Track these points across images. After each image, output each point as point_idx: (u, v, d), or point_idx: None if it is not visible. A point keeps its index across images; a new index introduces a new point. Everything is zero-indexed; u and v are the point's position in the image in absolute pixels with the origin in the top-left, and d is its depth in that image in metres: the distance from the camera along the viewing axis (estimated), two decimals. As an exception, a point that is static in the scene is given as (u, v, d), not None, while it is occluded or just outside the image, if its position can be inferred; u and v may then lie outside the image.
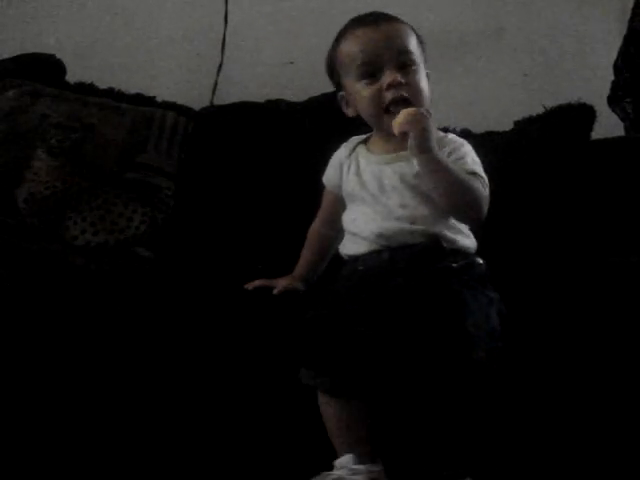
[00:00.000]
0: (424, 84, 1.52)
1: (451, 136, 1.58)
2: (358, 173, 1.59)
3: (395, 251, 1.50)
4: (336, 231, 1.65)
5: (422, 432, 1.39)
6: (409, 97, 1.47)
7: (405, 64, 1.49)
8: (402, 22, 1.56)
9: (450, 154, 1.51)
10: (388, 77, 1.47)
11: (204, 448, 1.48)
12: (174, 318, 1.57)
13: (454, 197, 1.46)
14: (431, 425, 1.38)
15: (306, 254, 1.70)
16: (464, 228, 1.56)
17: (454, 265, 1.49)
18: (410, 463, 1.40)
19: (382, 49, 1.48)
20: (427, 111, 1.43)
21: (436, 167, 1.44)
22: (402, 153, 1.53)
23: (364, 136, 1.65)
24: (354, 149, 1.64)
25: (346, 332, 1.39)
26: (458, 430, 1.36)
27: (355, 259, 1.55)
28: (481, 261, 1.54)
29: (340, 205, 1.64)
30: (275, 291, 1.64)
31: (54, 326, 1.55)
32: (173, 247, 2.04)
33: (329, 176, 1.68)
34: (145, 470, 1.48)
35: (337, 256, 1.65)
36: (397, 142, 1.52)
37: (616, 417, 1.46)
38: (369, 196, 1.56)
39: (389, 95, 1.48)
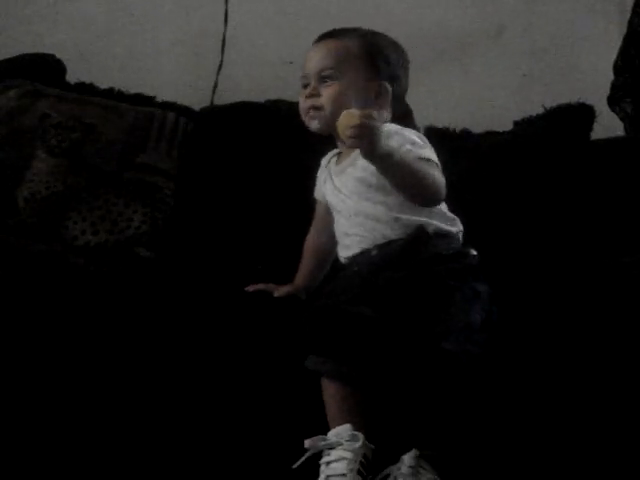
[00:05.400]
0: (337, 94, 1.64)
1: (394, 128, 1.62)
2: (333, 183, 1.67)
3: (383, 247, 1.56)
4: (331, 239, 1.70)
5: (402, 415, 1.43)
6: (318, 105, 1.65)
7: (325, 79, 1.66)
8: (342, 38, 1.70)
9: (402, 145, 1.56)
10: (308, 89, 1.68)
11: (205, 445, 1.48)
12: (174, 318, 1.57)
13: (412, 187, 1.54)
14: (407, 409, 1.43)
15: (304, 264, 1.76)
16: (446, 213, 1.61)
17: (444, 253, 1.54)
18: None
19: (311, 65, 1.68)
20: (369, 115, 1.47)
21: (389, 165, 1.51)
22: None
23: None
24: (329, 160, 1.73)
25: (347, 320, 1.43)
26: (429, 415, 1.41)
27: (350, 261, 1.62)
28: (474, 252, 1.59)
29: (330, 214, 1.71)
30: (276, 294, 1.68)
31: (54, 326, 1.55)
32: (173, 247, 2.04)
33: (317, 188, 1.77)
34: (145, 470, 1.48)
35: (337, 262, 1.69)
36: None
37: (612, 413, 1.46)
38: (349, 201, 1.63)
39: (307, 102, 1.67)
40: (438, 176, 1.56)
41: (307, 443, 1.39)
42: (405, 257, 1.53)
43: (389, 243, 1.56)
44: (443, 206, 1.62)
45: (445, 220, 1.60)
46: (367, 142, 1.45)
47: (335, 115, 1.56)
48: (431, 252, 1.54)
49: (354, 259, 1.60)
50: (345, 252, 1.63)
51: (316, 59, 1.68)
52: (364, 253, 1.58)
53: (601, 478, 1.44)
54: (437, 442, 1.41)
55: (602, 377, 1.47)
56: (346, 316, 1.44)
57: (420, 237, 1.55)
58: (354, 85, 1.65)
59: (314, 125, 1.66)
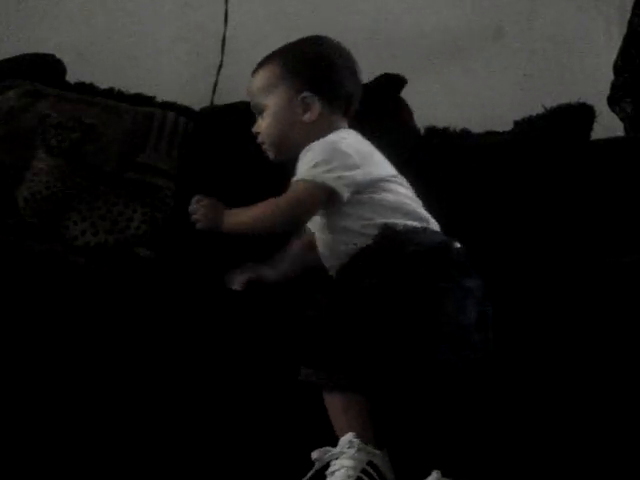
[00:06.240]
0: (267, 127, 1.69)
1: (317, 143, 1.62)
2: None
3: (358, 255, 1.54)
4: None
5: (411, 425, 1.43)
6: (261, 141, 1.71)
7: (260, 113, 1.71)
8: (264, 66, 1.72)
9: (309, 162, 1.60)
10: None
11: (204, 448, 1.48)
12: (174, 318, 1.57)
13: (263, 230, 1.64)
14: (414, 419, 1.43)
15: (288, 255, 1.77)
16: (413, 212, 1.60)
17: (423, 248, 1.50)
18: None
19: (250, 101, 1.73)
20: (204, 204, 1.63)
21: (231, 230, 1.63)
22: None
23: None
24: None
25: (333, 330, 1.43)
26: (436, 426, 1.41)
27: (335, 275, 1.61)
28: (458, 245, 1.55)
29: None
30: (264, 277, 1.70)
31: (54, 326, 1.55)
32: (173, 247, 2.04)
33: None
34: (145, 470, 1.48)
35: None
36: None
37: (612, 415, 1.46)
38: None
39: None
40: (283, 205, 1.58)
41: (314, 455, 1.39)
42: (381, 258, 1.50)
43: (363, 250, 1.54)
44: (410, 205, 1.60)
45: (413, 218, 1.58)
46: (204, 224, 1.61)
47: (276, 146, 1.67)
48: (407, 248, 1.50)
49: (338, 273, 1.58)
50: (330, 269, 1.63)
51: (249, 95, 1.72)
52: (345, 266, 1.56)
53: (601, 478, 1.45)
54: (453, 454, 1.39)
55: (602, 377, 1.48)
56: (331, 325, 1.43)
57: (388, 235, 1.53)
58: (278, 110, 1.67)
59: (270, 157, 1.71)
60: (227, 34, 2.56)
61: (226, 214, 1.61)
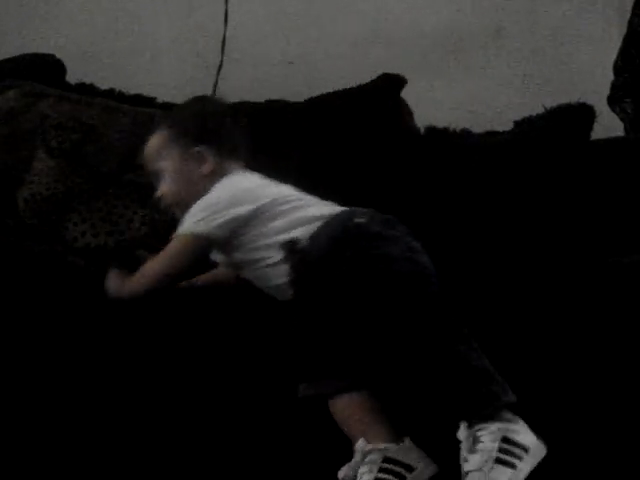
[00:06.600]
0: (168, 192, 1.70)
1: (208, 197, 1.64)
2: None
3: (290, 284, 1.55)
4: None
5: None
6: (166, 207, 1.72)
7: (157, 179, 1.72)
8: (153, 134, 1.73)
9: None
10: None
11: (201, 454, 1.48)
12: (173, 320, 1.57)
13: (153, 288, 1.61)
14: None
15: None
16: (303, 217, 1.59)
17: (319, 253, 1.50)
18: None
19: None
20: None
21: (131, 296, 1.60)
22: None
23: None
24: None
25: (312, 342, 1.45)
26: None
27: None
28: (362, 219, 1.54)
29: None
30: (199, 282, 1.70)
31: (54, 327, 1.55)
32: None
33: None
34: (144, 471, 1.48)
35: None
36: None
37: (613, 417, 1.47)
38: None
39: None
40: (160, 259, 1.62)
41: (340, 475, 1.39)
42: (302, 273, 1.52)
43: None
44: (301, 216, 1.59)
45: (309, 222, 1.57)
46: (111, 294, 1.61)
47: (181, 204, 1.66)
48: (310, 256, 1.51)
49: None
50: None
51: (145, 165, 1.74)
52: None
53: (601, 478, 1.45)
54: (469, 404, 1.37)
55: (602, 378, 1.48)
56: (309, 337, 1.44)
57: (290, 250, 1.55)
58: (175, 171, 1.69)
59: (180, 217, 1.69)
60: (227, 34, 2.57)
61: (125, 282, 1.63)
